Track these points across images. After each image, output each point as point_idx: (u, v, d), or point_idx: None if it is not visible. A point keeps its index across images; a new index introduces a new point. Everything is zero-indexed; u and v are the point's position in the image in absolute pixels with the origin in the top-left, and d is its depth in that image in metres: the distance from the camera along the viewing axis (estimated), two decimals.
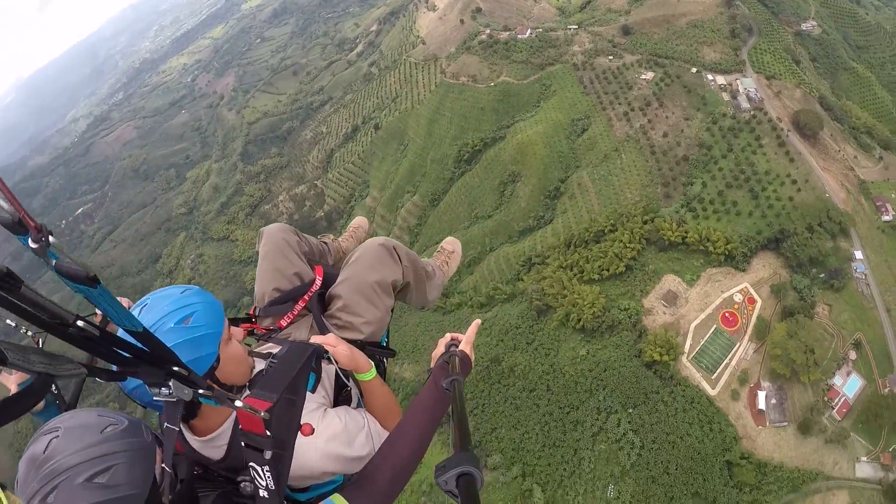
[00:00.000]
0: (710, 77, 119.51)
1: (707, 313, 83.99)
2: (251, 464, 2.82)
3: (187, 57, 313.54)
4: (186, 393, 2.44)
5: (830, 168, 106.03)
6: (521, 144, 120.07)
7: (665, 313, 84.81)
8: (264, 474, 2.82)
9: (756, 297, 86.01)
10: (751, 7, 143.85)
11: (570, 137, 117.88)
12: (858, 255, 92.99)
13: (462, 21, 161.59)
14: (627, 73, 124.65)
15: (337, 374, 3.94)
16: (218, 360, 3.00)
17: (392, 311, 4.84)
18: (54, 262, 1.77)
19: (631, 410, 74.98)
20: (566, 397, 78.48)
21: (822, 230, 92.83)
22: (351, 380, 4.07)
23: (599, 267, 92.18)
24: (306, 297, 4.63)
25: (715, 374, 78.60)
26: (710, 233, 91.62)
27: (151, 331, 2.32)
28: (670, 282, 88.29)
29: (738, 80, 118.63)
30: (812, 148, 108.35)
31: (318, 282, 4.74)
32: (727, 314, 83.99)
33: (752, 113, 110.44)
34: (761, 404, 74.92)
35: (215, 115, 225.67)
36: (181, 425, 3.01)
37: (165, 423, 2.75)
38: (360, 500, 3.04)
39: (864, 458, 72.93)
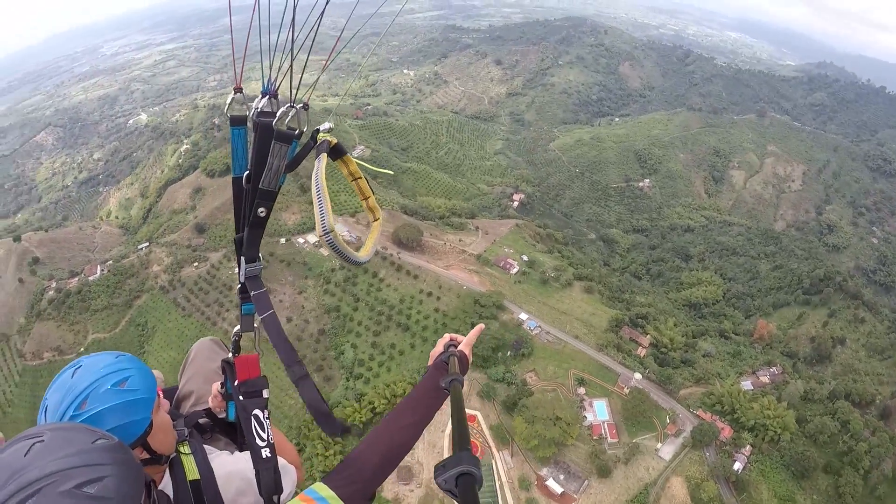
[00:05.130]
0: (301, 241, 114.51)
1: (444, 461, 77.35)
2: (255, 412, 3.54)
3: None
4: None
5: (451, 263, 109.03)
6: None
7: (413, 491, 75.94)
8: (266, 423, 3.53)
9: (471, 412, 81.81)
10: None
11: None
12: (523, 316, 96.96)
13: (21, 280, 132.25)
14: (220, 273, 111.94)
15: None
16: (151, 426, 3.05)
17: None
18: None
19: None
20: None
21: (484, 318, 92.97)
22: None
23: None
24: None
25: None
26: (393, 388, 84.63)
27: (86, 393, 2.83)
28: None
29: None
30: (424, 255, 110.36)
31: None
32: None
33: None
34: (557, 488, 73.48)
35: None
36: None
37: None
38: (344, 485, 3.17)
39: (659, 444, 78.81)
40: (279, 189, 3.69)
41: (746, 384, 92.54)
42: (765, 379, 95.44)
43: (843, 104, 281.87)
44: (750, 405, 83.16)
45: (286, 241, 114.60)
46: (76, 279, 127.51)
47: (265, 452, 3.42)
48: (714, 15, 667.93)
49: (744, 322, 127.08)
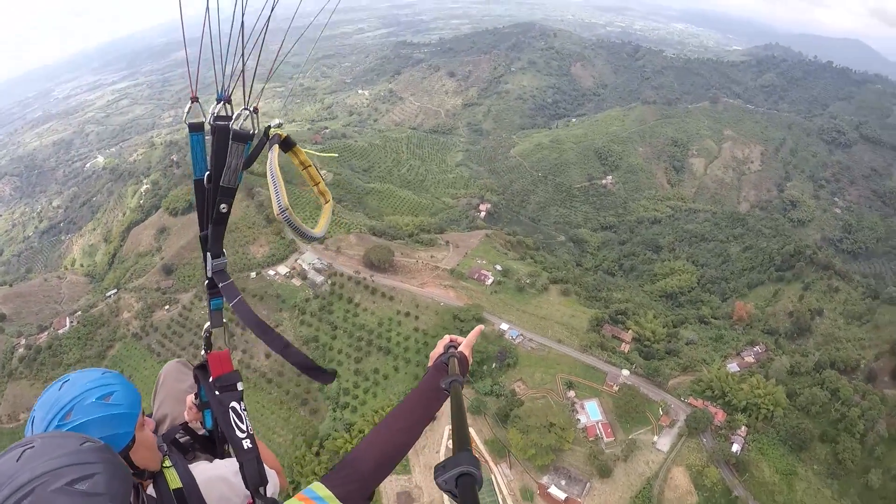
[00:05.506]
0: (272, 273, 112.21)
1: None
2: (232, 405, 3.60)
3: None
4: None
5: (426, 280, 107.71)
6: None
7: None
8: (243, 415, 3.59)
9: None
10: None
11: None
12: (504, 326, 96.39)
13: None
14: (192, 314, 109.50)
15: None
16: (134, 440, 3.12)
17: None
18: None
19: None
20: None
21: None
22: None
23: None
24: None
25: None
26: (382, 414, 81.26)
27: (71, 405, 2.91)
28: (390, 487, 75.65)
29: (298, 261, 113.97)
30: (397, 275, 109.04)
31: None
32: None
33: (329, 281, 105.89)
34: (560, 494, 72.50)
35: None
36: None
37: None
38: (342, 484, 3.19)
39: (656, 437, 78.82)
40: (237, 186, 3.90)
41: (733, 366, 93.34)
42: (750, 359, 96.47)
43: (793, 82, 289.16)
44: (739, 386, 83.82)
45: (257, 274, 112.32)
46: (45, 333, 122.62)
47: (246, 443, 3.47)
48: (659, 8, 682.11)
49: (721, 305, 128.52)
